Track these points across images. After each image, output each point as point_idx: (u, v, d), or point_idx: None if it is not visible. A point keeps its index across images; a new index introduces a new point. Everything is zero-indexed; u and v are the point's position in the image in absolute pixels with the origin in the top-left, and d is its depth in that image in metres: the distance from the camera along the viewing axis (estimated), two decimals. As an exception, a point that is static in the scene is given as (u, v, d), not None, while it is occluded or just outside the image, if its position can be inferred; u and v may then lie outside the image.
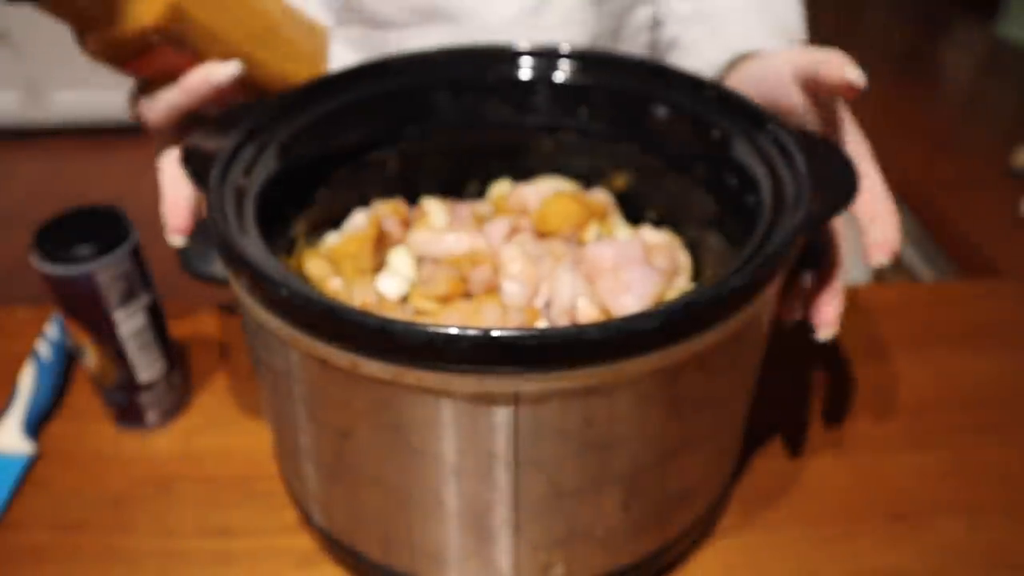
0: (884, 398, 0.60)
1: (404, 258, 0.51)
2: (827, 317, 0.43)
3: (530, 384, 0.33)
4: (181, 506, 0.52)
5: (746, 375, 0.43)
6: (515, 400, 0.34)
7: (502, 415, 0.35)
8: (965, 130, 1.09)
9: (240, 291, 0.39)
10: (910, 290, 0.73)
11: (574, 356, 0.33)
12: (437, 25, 0.66)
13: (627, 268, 0.47)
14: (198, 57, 0.49)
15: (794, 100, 0.47)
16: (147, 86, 0.50)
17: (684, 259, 0.52)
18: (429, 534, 0.41)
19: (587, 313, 0.46)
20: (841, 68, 0.42)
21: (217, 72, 0.48)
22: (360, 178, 0.54)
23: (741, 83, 0.52)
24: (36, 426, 0.57)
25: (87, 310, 0.51)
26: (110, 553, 0.49)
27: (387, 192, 0.55)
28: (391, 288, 0.48)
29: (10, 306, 0.68)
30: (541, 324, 0.46)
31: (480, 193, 0.59)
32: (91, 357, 0.54)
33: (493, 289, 0.48)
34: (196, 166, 0.43)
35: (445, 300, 0.47)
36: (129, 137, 2.46)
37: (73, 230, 0.51)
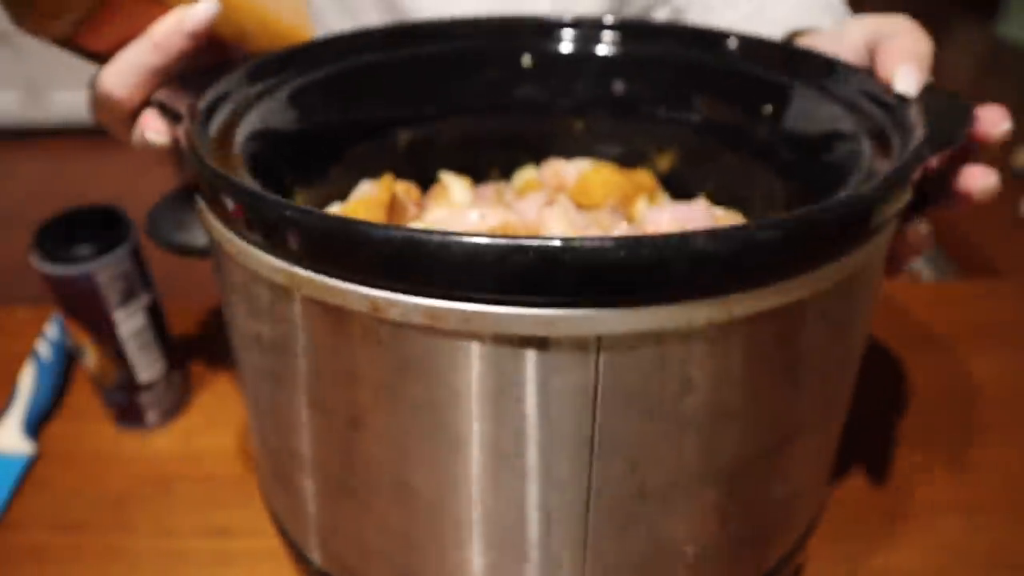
0: (884, 397, 0.60)
1: None
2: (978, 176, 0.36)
3: (618, 321, 0.25)
4: (181, 506, 0.52)
5: (859, 337, 0.36)
6: (596, 347, 0.26)
7: (579, 370, 0.26)
8: (965, 130, 1.09)
9: (222, 232, 0.31)
10: (910, 290, 0.73)
11: (679, 282, 0.25)
12: None
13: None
14: (163, 8, 0.40)
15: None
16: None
17: None
18: (464, 559, 0.32)
19: None
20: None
21: (190, 16, 0.38)
22: (367, 153, 0.48)
23: None
24: (36, 426, 0.57)
25: (87, 310, 0.51)
26: (110, 553, 0.49)
27: (397, 174, 0.49)
28: None
29: (10, 306, 0.68)
30: None
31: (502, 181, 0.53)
32: (91, 357, 0.54)
33: None
34: (175, 102, 0.36)
35: None
36: (129, 137, 2.46)
37: (73, 230, 0.51)
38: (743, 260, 0.25)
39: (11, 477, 0.53)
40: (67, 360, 0.62)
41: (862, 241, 0.29)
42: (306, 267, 0.28)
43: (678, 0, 0.67)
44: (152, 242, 0.38)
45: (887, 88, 0.39)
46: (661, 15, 0.69)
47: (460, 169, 0.51)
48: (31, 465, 0.55)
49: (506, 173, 0.53)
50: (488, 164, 0.52)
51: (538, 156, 0.52)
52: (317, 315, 0.29)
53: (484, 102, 0.50)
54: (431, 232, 0.24)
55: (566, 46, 0.49)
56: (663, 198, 0.49)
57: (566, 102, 0.50)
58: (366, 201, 0.42)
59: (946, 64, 1.30)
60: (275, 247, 0.28)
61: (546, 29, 0.49)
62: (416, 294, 0.26)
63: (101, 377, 0.55)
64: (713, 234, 0.24)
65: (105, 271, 0.50)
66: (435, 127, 0.49)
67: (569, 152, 0.51)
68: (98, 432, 0.57)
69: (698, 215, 0.41)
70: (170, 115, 0.37)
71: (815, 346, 0.31)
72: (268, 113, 0.40)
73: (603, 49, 0.48)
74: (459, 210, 0.43)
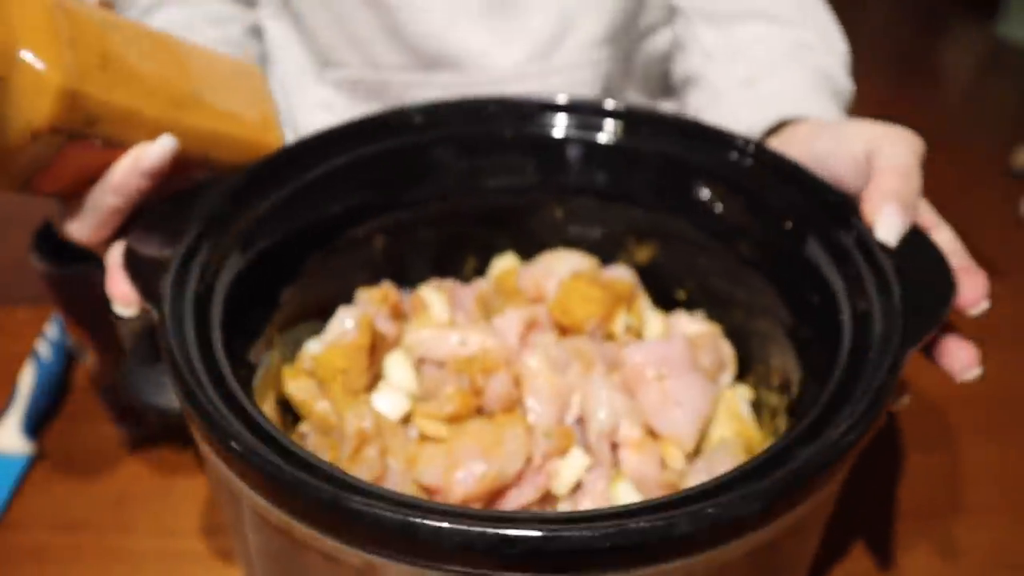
0: (884, 398, 0.60)
1: (402, 368, 0.44)
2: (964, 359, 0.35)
3: None
4: (181, 506, 0.52)
5: (823, 523, 0.38)
6: None
7: None
8: (965, 130, 1.09)
9: (213, 458, 0.31)
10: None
11: (665, 552, 0.27)
12: (440, 72, 0.61)
13: (673, 376, 0.41)
14: (119, 146, 0.38)
15: (858, 183, 0.41)
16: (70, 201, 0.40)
17: (727, 350, 0.46)
18: None
19: (631, 436, 0.40)
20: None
21: (146, 156, 0.38)
22: (340, 262, 0.47)
23: (791, 150, 0.44)
24: (36, 426, 0.57)
25: (87, 310, 0.51)
26: (110, 553, 0.49)
27: (373, 276, 0.48)
28: (389, 407, 0.42)
29: (10, 306, 0.68)
30: (576, 450, 0.40)
31: (479, 271, 0.52)
32: (91, 357, 0.54)
33: (513, 407, 0.41)
34: (145, 276, 0.35)
35: (455, 419, 0.41)
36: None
37: (73, 230, 0.51)
38: (720, 534, 0.27)
39: (11, 477, 0.53)
40: (67, 360, 0.62)
41: (836, 475, 0.31)
42: (296, 519, 0.28)
43: (680, 31, 0.63)
44: (135, 403, 0.37)
45: (880, 247, 0.38)
46: (662, 40, 0.66)
47: (436, 260, 0.50)
48: (31, 465, 0.55)
49: (484, 259, 0.52)
50: (466, 247, 0.51)
51: (516, 237, 0.51)
52: (306, 552, 0.30)
53: (457, 189, 0.48)
54: (424, 516, 0.25)
55: (548, 129, 0.47)
56: (643, 302, 0.49)
57: (546, 187, 0.49)
58: (344, 348, 0.41)
59: (946, 64, 1.30)
60: (261, 493, 0.29)
61: (528, 112, 0.47)
62: (408, 563, 0.27)
63: (101, 377, 0.55)
64: (694, 517, 0.26)
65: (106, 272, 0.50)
66: (409, 219, 0.48)
67: (547, 234, 0.50)
68: (98, 432, 0.57)
69: (675, 352, 0.42)
70: (137, 271, 0.36)
71: (790, 556, 0.33)
72: (236, 256, 0.39)
73: (591, 136, 0.47)
74: (440, 333, 0.44)
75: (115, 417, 0.57)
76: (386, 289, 0.47)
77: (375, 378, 0.44)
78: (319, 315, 0.46)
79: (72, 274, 0.50)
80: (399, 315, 0.47)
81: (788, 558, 0.34)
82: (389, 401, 0.42)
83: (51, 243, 0.50)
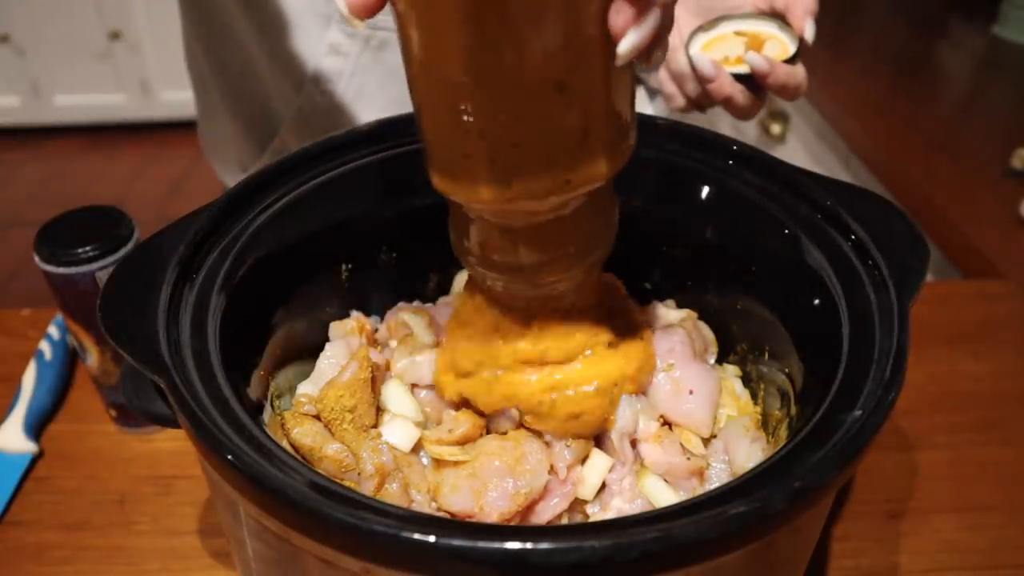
0: (884, 398, 0.60)
1: (402, 396, 0.43)
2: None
3: None
4: (181, 505, 0.52)
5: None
6: None
7: None
8: (965, 131, 1.09)
9: (220, 482, 0.30)
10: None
11: (672, 562, 0.27)
12: None
13: (681, 366, 0.41)
14: None
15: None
16: None
17: (708, 333, 0.47)
18: None
19: (649, 430, 0.39)
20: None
21: None
22: (310, 296, 0.45)
23: None
24: (38, 425, 0.57)
25: (89, 310, 0.51)
26: (112, 552, 0.49)
27: (341, 308, 0.47)
28: (400, 439, 0.40)
29: (13, 306, 0.68)
30: (597, 453, 0.40)
31: (442, 289, 0.51)
32: (93, 357, 0.54)
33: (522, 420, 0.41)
34: (127, 331, 0.34)
35: (465, 440, 0.40)
36: (130, 137, 2.46)
37: (75, 230, 0.51)
38: (720, 542, 0.27)
39: (13, 476, 0.53)
40: (69, 360, 0.62)
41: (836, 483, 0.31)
42: (304, 536, 0.28)
43: None
44: (133, 411, 0.36)
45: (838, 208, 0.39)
46: None
47: (398, 282, 0.49)
48: (33, 464, 0.55)
49: (444, 276, 0.51)
50: (426, 266, 0.50)
51: None
52: (313, 561, 0.30)
53: (417, 203, 0.46)
54: (442, 535, 0.26)
55: None
56: (630, 303, 0.48)
57: None
58: (349, 385, 0.40)
59: (945, 65, 1.30)
60: (274, 515, 0.29)
61: None
62: (409, 571, 0.27)
63: (103, 377, 0.55)
64: (697, 524, 0.26)
65: (107, 272, 0.50)
66: (372, 240, 0.48)
67: None
68: (99, 432, 0.57)
69: (677, 342, 0.42)
70: (124, 328, 0.34)
71: (792, 550, 0.34)
72: (220, 305, 0.38)
73: None
74: (431, 357, 0.43)
75: (117, 417, 0.57)
76: (360, 319, 0.46)
77: (377, 411, 0.43)
78: (298, 357, 0.45)
79: (74, 274, 0.50)
80: (374, 344, 0.46)
81: (787, 556, 0.34)
82: (399, 432, 0.41)
83: (53, 244, 0.50)
